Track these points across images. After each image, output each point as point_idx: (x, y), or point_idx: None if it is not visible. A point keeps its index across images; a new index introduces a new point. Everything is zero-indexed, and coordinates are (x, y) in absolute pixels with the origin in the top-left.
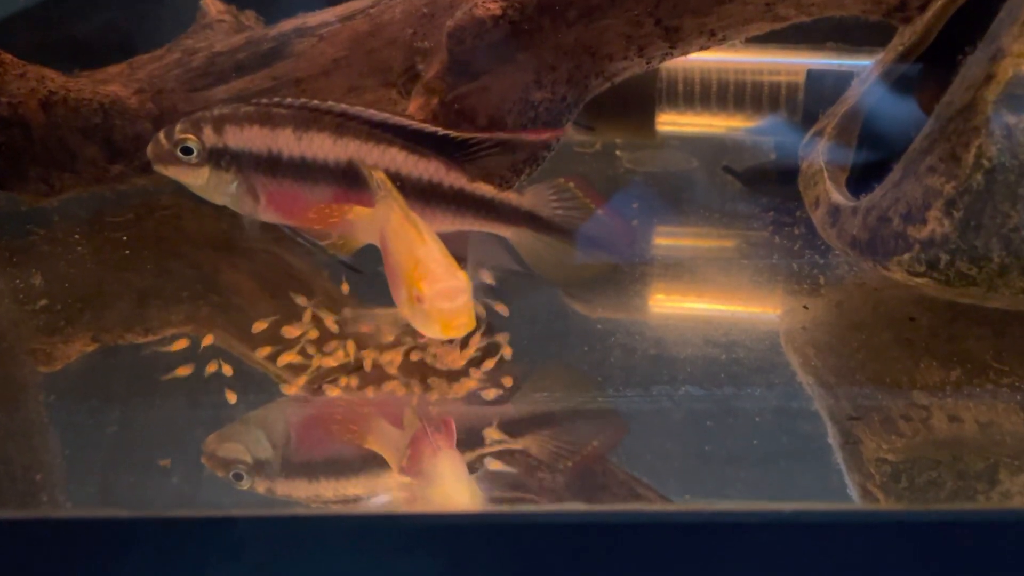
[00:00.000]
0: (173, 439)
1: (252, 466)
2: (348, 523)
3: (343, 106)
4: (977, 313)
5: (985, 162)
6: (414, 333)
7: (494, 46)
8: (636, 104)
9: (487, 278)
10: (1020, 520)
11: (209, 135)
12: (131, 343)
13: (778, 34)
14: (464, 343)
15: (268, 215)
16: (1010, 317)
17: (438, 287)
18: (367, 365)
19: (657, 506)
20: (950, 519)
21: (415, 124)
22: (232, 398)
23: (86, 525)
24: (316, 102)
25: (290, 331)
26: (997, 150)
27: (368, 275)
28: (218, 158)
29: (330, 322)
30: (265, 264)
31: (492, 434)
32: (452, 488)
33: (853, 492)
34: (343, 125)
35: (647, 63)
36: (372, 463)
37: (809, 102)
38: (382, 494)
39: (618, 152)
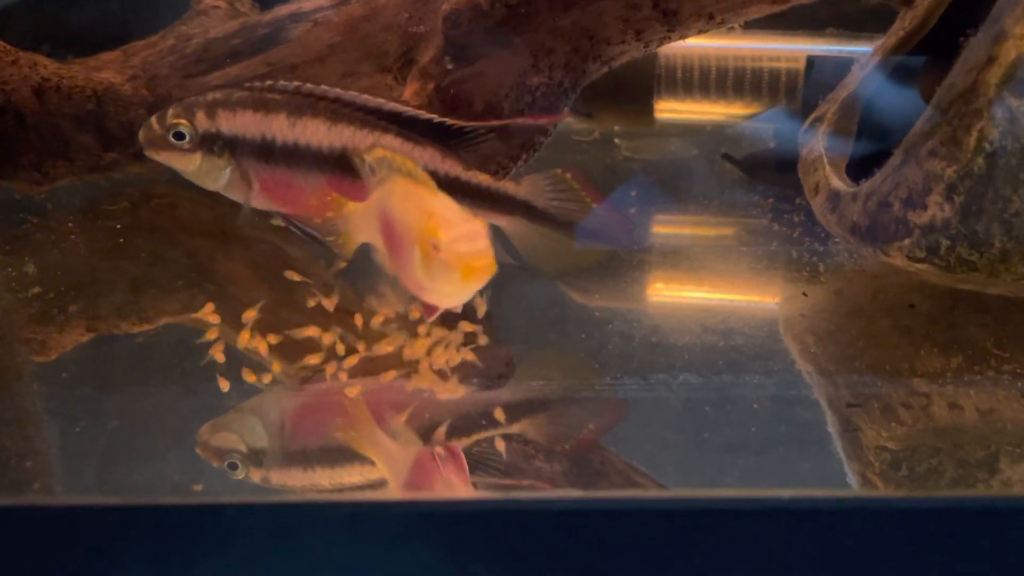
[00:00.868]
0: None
1: (246, 456)
2: (343, 510)
3: (337, 91)
4: (978, 300)
5: (987, 145)
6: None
7: (490, 30)
8: (634, 91)
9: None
10: (1020, 508)
11: (202, 120)
12: (126, 332)
13: (778, 20)
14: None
15: (261, 202)
16: (1011, 304)
17: (455, 231)
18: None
19: (654, 492)
20: (949, 506)
21: (410, 111)
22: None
23: (77, 513)
24: (310, 86)
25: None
26: (999, 133)
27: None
28: (211, 143)
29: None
30: (261, 252)
31: (488, 420)
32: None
33: (852, 480)
34: (338, 111)
35: (645, 47)
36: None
37: (809, 89)
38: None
39: (616, 140)
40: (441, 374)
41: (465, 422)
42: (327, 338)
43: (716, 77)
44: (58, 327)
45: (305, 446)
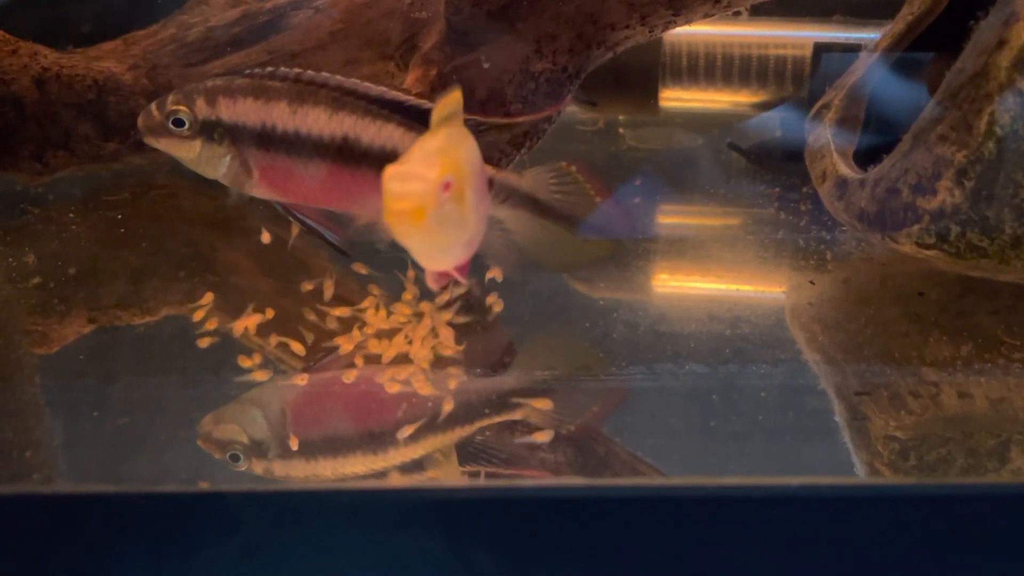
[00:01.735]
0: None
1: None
2: (346, 498)
3: (339, 79)
4: (988, 287)
5: (997, 130)
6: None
7: (493, 15)
8: (639, 80)
9: (497, 274)
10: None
11: (202, 107)
12: (127, 322)
13: (784, 6)
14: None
15: (260, 191)
16: (1022, 291)
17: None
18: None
19: (659, 480)
20: (956, 493)
21: (412, 100)
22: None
23: (76, 501)
24: (311, 74)
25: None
26: (1010, 117)
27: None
28: (210, 131)
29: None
30: (262, 243)
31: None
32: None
33: (860, 470)
34: (339, 100)
35: (650, 32)
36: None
37: (815, 76)
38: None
39: (621, 130)
40: (435, 362)
41: (463, 410)
42: (328, 325)
43: (722, 65)
44: (59, 317)
45: (308, 436)
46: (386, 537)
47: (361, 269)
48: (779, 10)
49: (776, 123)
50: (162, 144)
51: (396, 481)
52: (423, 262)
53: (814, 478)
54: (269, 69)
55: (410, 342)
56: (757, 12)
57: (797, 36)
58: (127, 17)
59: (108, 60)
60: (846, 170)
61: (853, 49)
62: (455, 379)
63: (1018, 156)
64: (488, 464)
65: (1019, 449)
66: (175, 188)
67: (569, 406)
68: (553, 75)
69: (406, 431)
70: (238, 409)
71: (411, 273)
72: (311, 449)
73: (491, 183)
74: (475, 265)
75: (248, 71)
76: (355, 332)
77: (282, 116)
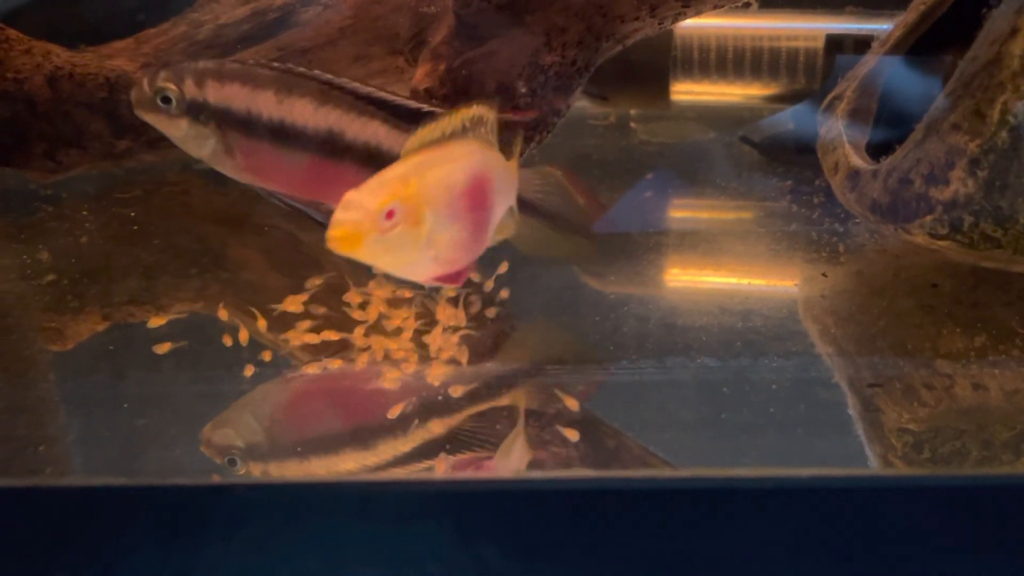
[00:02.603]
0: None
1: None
2: (354, 490)
3: (329, 76)
4: (1002, 278)
5: (1011, 119)
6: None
7: (502, 9)
8: (650, 74)
9: (502, 268)
10: None
11: (190, 87)
12: (140, 319)
13: None
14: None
15: (245, 176)
16: None
17: (347, 194)
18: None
19: (669, 472)
20: (969, 484)
21: (399, 99)
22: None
23: (89, 493)
24: (302, 69)
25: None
26: (1023, 106)
27: None
28: (197, 111)
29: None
30: (273, 239)
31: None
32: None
33: (874, 462)
34: (326, 93)
35: (660, 24)
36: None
37: (828, 67)
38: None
39: (632, 123)
40: (439, 356)
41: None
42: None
43: (733, 58)
44: (72, 314)
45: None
46: (395, 529)
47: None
48: (791, 1)
49: (788, 116)
50: (151, 119)
51: (404, 474)
52: (396, 275)
53: (824, 469)
54: (263, 60)
55: (420, 336)
56: (768, 4)
57: (809, 28)
58: (138, 15)
59: (120, 58)
60: (859, 161)
61: (865, 40)
62: (459, 375)
63: None
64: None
65: None
66: (187, 185)
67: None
68: (562, 68)
69: (409, 423)
70: (238, 412)
71: None
72: (320, 449)
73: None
74: (484, 260)
75: (239, 58)
76: (361, 329)
77: (268, 104)
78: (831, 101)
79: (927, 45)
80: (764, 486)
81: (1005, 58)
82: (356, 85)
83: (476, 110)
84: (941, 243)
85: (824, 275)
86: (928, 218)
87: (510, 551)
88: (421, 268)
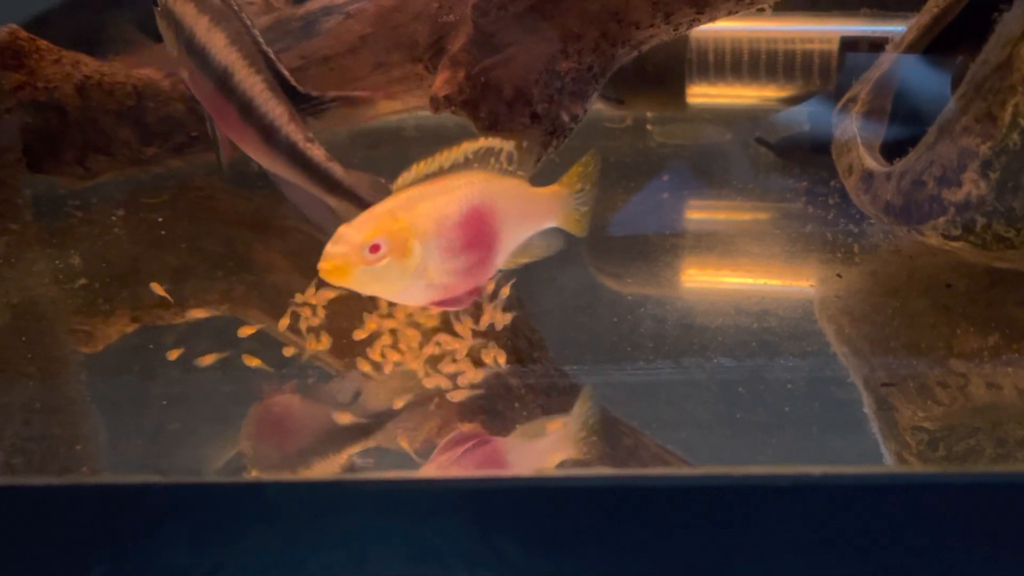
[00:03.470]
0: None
1: None
2: (377, 488)
3: (251, 20)
4: (1017, 278)
5: (1022, 121)
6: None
7: (519, 17)
8: (666, 77)
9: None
10: None
11: None
12: (168, 322)
13: (810, 0)
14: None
15: (188, 84)
16: None
17: (340, 229)
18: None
19: (686, 470)
20: (983, 481)
21: (284, 69)
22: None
23: (121, 491)
24: (243, 12)
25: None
26: None
27: None
28: (167, 17)
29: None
30: (297, 242)
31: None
32: None
33: (889, 461)
34: (240, 34)
35: (674, 30)
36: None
37: (842, 70)
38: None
39: (649, 126)
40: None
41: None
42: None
43: (748, 60)
44: (103, 317)
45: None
46: (419, 526)
47: None
48: (805, 5)
49: (803, 117)
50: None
51: (430, 472)
52: (392, 300)
53: (837, 467)
54: None
55: (438, 345)
56: (782, 8)
57: (823, 30)
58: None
59: (147, 68)
60: (872, 163)
61: (879, 42)
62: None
63: None
64: None
65: None
66: (212, 190)
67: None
68: (579, 74)
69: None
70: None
71: None
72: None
73: (319, 168)
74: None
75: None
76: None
77: (202, 28)
78: (845, 103)
79: (940, 47)
80: (781, 483)
81: (1016, 61)
82: (261, 41)
83: (487, 142)
84: (954, 244)
85: (839, 276)
86: (941, 220)
87: (530, 548)
88: (414, 295)
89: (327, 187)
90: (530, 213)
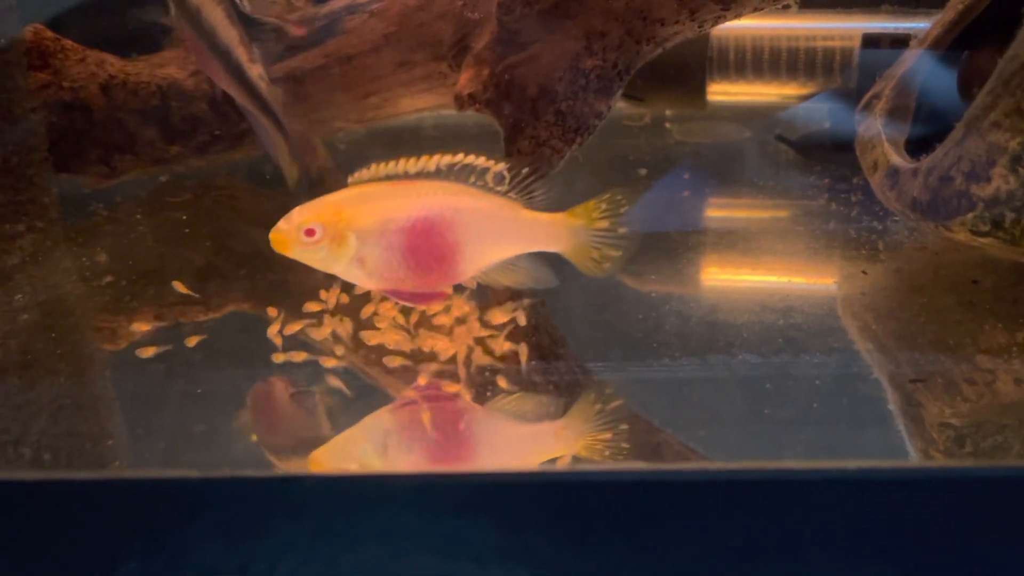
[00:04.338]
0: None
1: None
2: (409, 483)
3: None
4: None
5: None
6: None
7: (544, 14)
8: (686, 74)
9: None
10: None
11: None
12: (192, 320)
13: None
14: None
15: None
16: None
17: (294, 209)
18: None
19: (716, 464)
20: (1014, 475)
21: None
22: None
23: (152, 486)
24: None
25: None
26: None
27: None
28: None
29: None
30: None
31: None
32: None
33: (915, 457)
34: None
35: (699, 27)
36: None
37: (864, 67)
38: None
39: (668, 124)
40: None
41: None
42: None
43: (769, 58)
44: (129, 314)
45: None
46: (449, 521)
47: None
48: (827, 1)
49: (823, 114)
50: None
51: (459, 466)
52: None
53: (872, 462)
54: None
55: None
56: (804, 4)
57: (845, 27)
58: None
59: (170, 67)
60: (898, 160)
61: (902, 39)
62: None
63: None
64: None
65: None
66: (234, 189)
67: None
68: (603, 72)
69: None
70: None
71: None
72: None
73: (251, 84)
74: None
75: None
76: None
77: None
78: (869, 100)
79: (965, 44)
80: (815, 477)
81: None
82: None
83: (469, 158)
84: (983, 240)
85: (864, 272)
86: (970, 215)
87: (559, 542)
88: (357, 278)
89: (259, 105)
90: (511, 235)
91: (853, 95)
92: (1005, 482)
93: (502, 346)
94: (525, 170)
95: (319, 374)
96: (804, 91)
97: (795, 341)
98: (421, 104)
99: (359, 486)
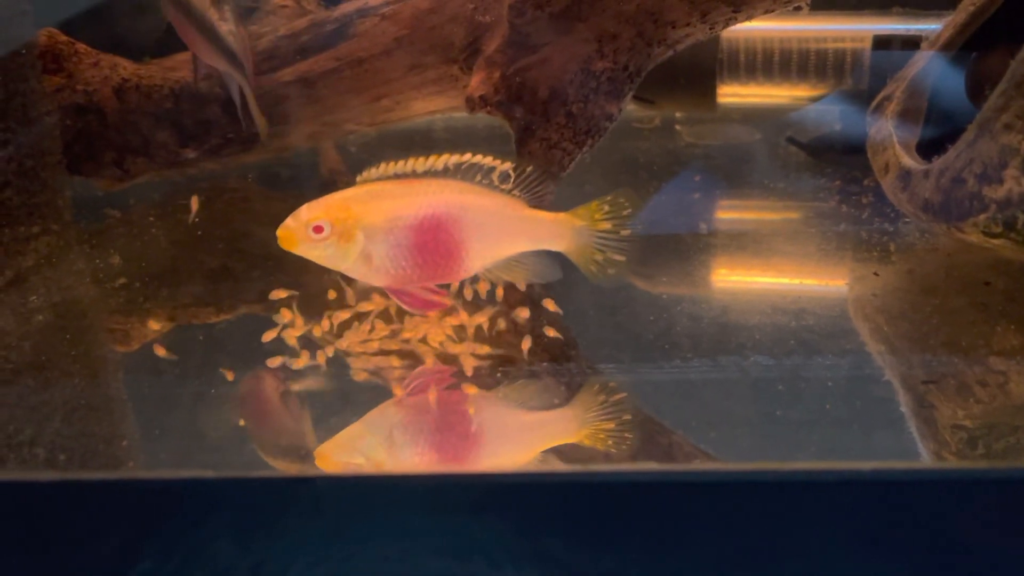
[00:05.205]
0: None
1: None
2: (422, 483)
3: None
4: None
5: None
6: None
7: (555, 17)
8: (697, 76)
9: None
10: None
11: None
12: (205, 321)
13: None
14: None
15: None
16: None
17: (302, 206)
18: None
19: (730, 465)
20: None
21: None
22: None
23: (167, 486)
24: None
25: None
26: None
27: None
28: None
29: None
30: None
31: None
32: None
33: (928, 458)
34: None
35: (710, 29)
36: None
37: (875, 68)
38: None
39: (678, 126)
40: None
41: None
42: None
43: (780, 60)
44: (142, 316)
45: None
46: (460, 522)
47: None
48: (837, 3)
49: (834, 116)
50: None
51: (472, 466)
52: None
53: (885, 463)
54: None
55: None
56: (815, 6)
57: (856, 29)
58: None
59: (183, 70)
60: (909, 161)
61: (913, 40)
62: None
63: None
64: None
65: None
66: (246, 192)
67: None
68: (614, 74)
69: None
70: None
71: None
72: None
73: (218, 35)
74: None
75: None
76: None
77: None
78: (880, 101)
79: (977, 45)
80: (825, 479)
81: None
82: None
83: (476, 158)
84: (995, 241)
85: (876, 274)
86: (982, 217)
87: (571, 542)
88: (363, 274)
89: (228, 58)
90: (515, 232)
91: (864, 97)
92: (1018, 483)
93: (508, 341)
94: (530, 169)
95: (322, 372)
96: (815, 93)
97: (807, 343)
98: (432, 107)
99: (372, 486)
